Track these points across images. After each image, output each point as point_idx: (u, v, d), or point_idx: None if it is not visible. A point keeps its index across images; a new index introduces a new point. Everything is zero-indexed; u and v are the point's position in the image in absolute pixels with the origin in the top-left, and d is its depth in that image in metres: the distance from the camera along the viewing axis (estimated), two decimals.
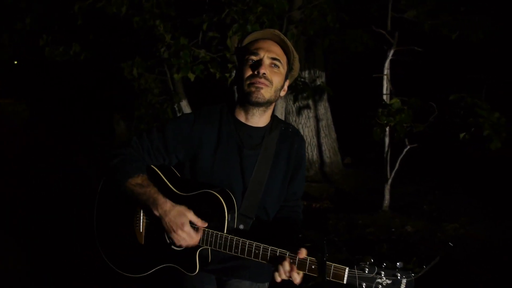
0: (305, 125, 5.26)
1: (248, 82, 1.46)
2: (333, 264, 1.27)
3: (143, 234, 1.53)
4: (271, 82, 1.47)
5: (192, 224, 1.39)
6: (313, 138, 5.33)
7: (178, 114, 5.56)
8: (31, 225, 3.70)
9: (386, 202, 3.69)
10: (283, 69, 1.51)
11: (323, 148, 5.38)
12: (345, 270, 1.25)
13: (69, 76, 10.21)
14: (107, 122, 9.09)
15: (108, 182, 1.62)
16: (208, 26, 3.80)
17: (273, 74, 1.47)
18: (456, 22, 3.12)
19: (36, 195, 4.54)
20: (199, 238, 1.40)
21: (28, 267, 2.84)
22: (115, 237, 1.60)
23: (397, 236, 3.04)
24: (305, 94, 4.70)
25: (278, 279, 1.32)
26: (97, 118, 9.99)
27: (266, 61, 1.46)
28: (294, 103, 5.12)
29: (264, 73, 1.44)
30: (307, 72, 5.17)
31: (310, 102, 5.25)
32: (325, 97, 5.34)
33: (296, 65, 1.58)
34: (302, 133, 5.26)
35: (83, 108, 11.12)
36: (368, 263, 1.27)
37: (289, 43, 1.50)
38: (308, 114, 5.27)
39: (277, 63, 1.48)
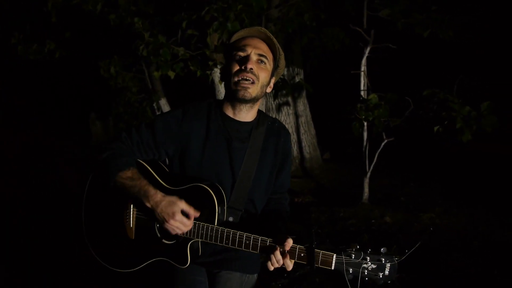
0: (285, 122, 5.32)
1: (235, 77, 1.49)
2: (321, 251, 1.32)
3: (134, 228, 1.53)
4: (257, 78, 1.50)
5: (184, 213, 1.40)
6: (293, 134, 5.40)
7: (157, 113, 5.52)
8: (28, 225, 3.60)
9: (366, 195, 3.80)
10: (269, 65, 1.54)
11: (303, 144, 5.47)
12: (332, 256, 1.31)
13: (44, 75, 9.88)
14: (84, 121, 8.86)
15: (97, 178, 1.61)
16: (187, 23, 3.79)
17: (260, 70, 1.51)
18: (428, 21, 3.26)
19: (12, 199, 4.40)
20: (191, 225, 1.42)
21: (27, 267, 2.79)
22: (105, 233, 1.59)
23: (377, 227, 3.15)
24: (284, 91, 4.77)
25: (271, 268, 1.36)
26: (74, 118, 9.72)
27: (253, 57, 1.49)
28: (274, 100, 5.18)
29: (251, 68, 1.48)
30: (286, 69, 5.23)
31: (290, 99, 5.31)
32: (304, 94, 5.42)
33: (282, 62, 1.62)
34: None
35: (59, 108, 10.78)
36: (354, 249, 1.34)
37: (275, 40, 1.53)
38: (287, 111, 5.34)
39: (264, 59, 1.51)
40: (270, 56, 1.55)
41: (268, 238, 1.37)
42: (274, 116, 5.36)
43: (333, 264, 1.31)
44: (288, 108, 5.33)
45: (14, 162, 6.62)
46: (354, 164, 4.72)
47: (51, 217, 3.77)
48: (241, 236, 1.40)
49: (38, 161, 6.70)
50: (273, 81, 1.63)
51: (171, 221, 1.38)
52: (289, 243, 1.32)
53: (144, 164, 1.56)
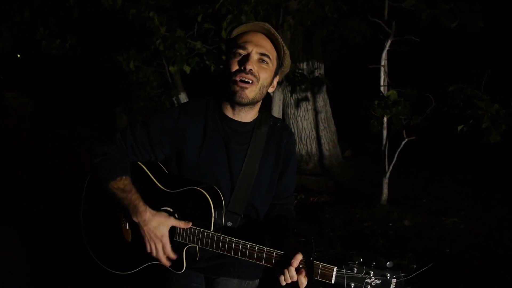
0: (304, 118, 5.19)
1: (233, 77, 1.41)
2: (321, 263, 1.24)
3: (130, 231, 1.50)
4: (257, 79, 1.42)
5: (174, 228, 1.38)
6: (312, 130, 5.27)
7: None
8: (35, 222, 3.71)
9: (384, 195, 3.64)
10: (272, 65, 1.45)
11: (322, 141, 5.33)
12: (333, 270, 1.22)
13: (70, 69, 10.20)
14: (109, 115, 9.09)
15: (93, 179, 1.59)
16: (203, 17, 3.74)
17: (260, 70, 1.42)
18: (456, 11, 3.03)
19: (41, 189, 4.56)
20: (172, 257, 1.40)
21: (31, 264, 2.85)
22: (102, 234, 1.58)
23: (394, 230, 2.99)
24: (303, 86, 4.63)
25: (283, 283, 1.28)
26: (100, 112, 10.00)
27: (254, 56, 1.41)
28: (291, 95, 5.05)
29: (251, 69, 1.39)
30: (305, 63, 5.09)
31: (309, 94, 5.18)
32: (324, 89, 5.27)
33: (287, 61, 1.53)
34: (300, 126, 5.22)
35: (86, 102, 11.13)
36: (357, 262, 1.24)
37: (279, 38, 1.44)
38: (306, 107, 5.20)
39: (266, 58, 1.42)
40: (273, 54, 1.45)
41: (275, 250, 1.29)
42: (292, 111, 5.24)
43: (333, 278, 1.22)
44: (307, 103, 5.20)
45: (43, 152, 6.89)
46: (376, 162, 4.53)
47: (53, 214, 3.88)
48: (237, 244, 1.34)
49: (66, 153, 6.94)
50: (276, 80, 1.53)
51: (157, 243, 1.38)
52: (298, 258, 1.23)
53: (141, 165, 1.53)
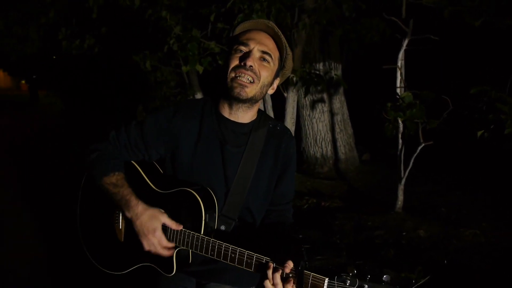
0: (319, 120, 5.07)
1: (232, 73, 1.37)
2: (312, 273, 1.16)
3: (123, 231, 1.48)
4: (258, 77, 1.37)
5: (166, 226, 1.34)
6: (327, 133, 5.14)
7: None
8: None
9: (400, 202, 3.47)
10: (273, 64, 1.40)
11: (338, 144, 5.19)
12: (324, 281, 1.14)
13: (93, 69, 10.49)
14: (131, 114, 9.29)
15: (88, 177, 1.59)
16: (216, 16, 3.72)
17: (261, 68, 1.37)
18: (481, 8, 2.84)
19: (59, 185, 4.68)
20: (171, 247, 1.35)
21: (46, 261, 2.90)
22: (97, 233, 1.57)
23: (407, 240, 2.82)
24: (319, 87, 4.52)
25: None
26: (122, 110, 10.23)
27: (256, 53, 1.36)
28: (305, 96, 4.95)
29: (251, 66, 1.35)
30: (321, 64, 4.97)
31: (325, 96, 5.06)
32: (341, 90, 5.14)
33: (289, 63, 1.48)
34: (315, 128, 5.11)
35: (108, 101, 11.42)
36: (350, 274, 1.15)
37: (283, 38, 1.39)
38: (322, 108, 5.08)
39: (267, 57, 1.38)
40: (275, 54, 1.40)
41: (266, 256, 1.22)
42: (307, 113, 5.13)
43: None
44: (323, 105, 5.07)
45: (68, 150, 7.10)
46: (394, 167, 4.36)
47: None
48: (226, 248, 1.28)
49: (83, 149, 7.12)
50: (276, 82, 1.48)
51: (150, 236, 1.32)
52: (290, 265, 1.16)
53: (135, 164, 1.51)
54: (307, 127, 5.16)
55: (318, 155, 5.16)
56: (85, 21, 5.54)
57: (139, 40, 5.76)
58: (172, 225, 1.33)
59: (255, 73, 1.35)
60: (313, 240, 2.69)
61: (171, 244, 1.34)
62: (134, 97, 8.98)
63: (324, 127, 5.08)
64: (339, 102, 5.14)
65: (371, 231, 3.00)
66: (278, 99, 4.15)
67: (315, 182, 4.53)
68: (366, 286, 1.12)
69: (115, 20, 5.65)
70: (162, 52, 4.54)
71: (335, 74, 4.74)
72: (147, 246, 1.34)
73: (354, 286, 1.12)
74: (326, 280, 1.14)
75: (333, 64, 5.00)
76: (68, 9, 6.09)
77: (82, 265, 2.61)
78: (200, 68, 3.86)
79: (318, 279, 1.14)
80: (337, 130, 5.16)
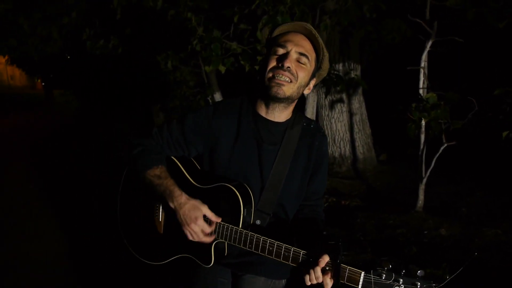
0: (338, 120, 5.10)
1: (270, 74, 1.41)
2: (348, 267, 1.21)
3: (162, 223, 1.55)
4: (295, 77, 1.41)
5: (206, 218, 1.39)
6: (346, 133, 5.17)
7: None
8: (77, 204, 3.88)
9: (420, 202, 3.49)
10: (310, 65, 1.44)
11: (356, 144, 5.21)
12: (360, 274, 1.19)
13: (110, 69, 10.66)
14: (147, 113, 9.42)
15: (130, 171, 1.65)
16: (239, 18, 3.78)
17: (298, 69, 1.41)
18: (505, 10, 2.84)
19: (77, 185, 4.79)
20: (212, 235, 1.40)
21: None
22: (137, 224, 1.64)
23: (429, 239, 2.85)
24: (338, 88, 4.55)
25: (308, 283, 1.28)
26: (138, 110, 10.38)
27: (293, 55, 1.40)
28: (326, 96, 4.98)
29: (289, 67, 1.39)
30: (341, 64, 5.00)
31: (344, 96, 5.08)
32: (360, 90, 5.15)
33: (325, 64, 1.51)
34: (334, 128, 5.14)
35: (124, 100, 11.59)
36: (386, 268, 1.20)
37: (320, 39, 1.43)
38: (341, 108, 5.11)
39: (304, 58, 1.41)
40: (312, 55, 1.44)
41: (303, 249, 1.29)
42: (326, 113, 5.17)
43: (361, 283, 1.19)
44: (342, 105, 5.10)
45: (84, 148, 7.25)
46: (412, 167, 4.36)
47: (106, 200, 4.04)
48: (264, 241, 1.34)
49: (102, 148, 7.27)
50: (313, 82, 1.52)
51: (192, 225, 1.38)
52: (325, 259, 1.22)
53: (175, 160, 1.57)
54: (326, 127, 5.19)
55: (337, 154, 5.19)
56: (109, 21, 5.66)
57: (161, 40, 5.86)
58: (212, 216, 1.39)
59: (292, 73, 1.40)
60: (336, 237, 2.74)
61: (213, 234, 1.40)
62: (151, 97, 9.12)
63: (343, 127, 5.11)
64: (358, 102, 5.16)
65: (392, 230, 3.03)
66: (298, 99, 4.19)
67: (334, 181, 4.57)
68: (401, 280, 1.17)
69: (138, 21, 5.76)
70: (185, 52, 4.62)
71: (355, 75, 4.76)
72: (189, 235, 1.39)
73: (389, 280, 1.18)
74: (363, 273, 1.19)
75: (352, 65, 5.02)
76: (90, 10, 6.23)
77: (85, 264, 2.73)
78: (222, 68, 3.94)
79: (354, 272, 1.19)
80: (356, 130, 5.18)
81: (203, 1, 4.33)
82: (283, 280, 1.62)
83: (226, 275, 1.56)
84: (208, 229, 1.39)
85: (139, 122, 9.81)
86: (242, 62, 3.93)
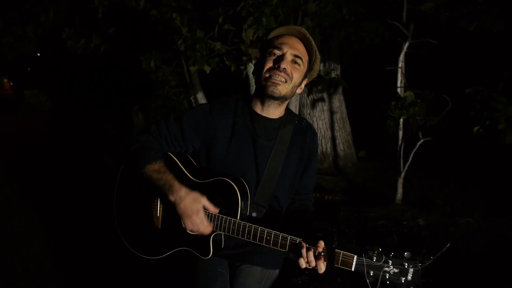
0: (319, 118, 5.25)
1: (267, 74, 1.50)
2: (342, 251, 1.30)
3: (160, 218, 1.59)
4: (290, 78, 1.50)
5: (205, 210, 1.44)
6: (327, 131, 5.32)
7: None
8: (64, 208, 3.81)
9: (399, 195, 3.68)
10: (303, 67, 1.53)
11: (337, 141, 5.36)
12: (353, 257, 1.29)
13: (88, 69, 10.43)
14: (126, 113, 9.29)
15: (127, 168, 1.69)
16: (224, 19, 3.84)
17: (293, 70, 1.50)
18: (474, 14, 3.06)
19: (56, 186, 4.70)
20: (211, 225, 1.45)
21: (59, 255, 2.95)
22: (133, 221, 1.66)
23: (408, 229, 3.04)
24: (319, 87, 4.70)
25: (303, 266, 1.34)
26: (116, 110, 10.21)
27: (289, 56, 1.49)
28: (308, 96, 5.12)
29: (285, 68, 1.48)
30: (322, 64, 5.15)
31: (325, 95, 5.22)
32: (340, 90, 5.31)
33: (317, 66, 1.61)
34: (316, 126, 5.28)
35: (102, 100, 11.36)
36: (376, 252, 1.30)
37: (313, 43, 1.51)
38: (322, 107, 5.26)
39: (299, 60, 1.50)
40: (305, 57, 1.53)
41: (298, 237, 1.36)
42: (308, 111, 5.30)
43: (354, 266, 1.29)
44: (323, 104, 5.25)
45: (60, 148, 7.09)
46: (390, 163, 4.57)
47: (87, 200, 4.00)
48: (262, 231, 1.41)
49: (83, 148, 7.14)
50: (304, 82, 1.62)
51: (194, 217, 1.42)
52: (321, 244, 1.31)
53: (172, 156, 1.62)
54: None
55: (318, 152, 5.34)
56: (90, 21, 5.58)
57: (144, 40, 5.83)
58: (211, 208, 1.44)
59: (287, 74, 1.49)
60: (330, 227, 2.86)
61: (211, 224, 1.45)
62: (131, 97, 9.00)
63: (324, 125, 5.26)
64: (338, 101, 5.32)
65: (374, 221, 3.20)
66: None
67: (316, 177, 4.69)
68: (390, 261, 1.28)
69: (120, 20, 5.70)
70: (170, 52, 4.64)
71: (336, 75, 4.92)
72: (190, 226, 1.43)
73: (380, 262, 1.28)
74: (355, 257, 1.29)
75: (333, 65, 5.17)
76: (70, 9, 6.11)
77: (81, 265, 2.73)
78: (207, 68, 3.99)
79: (348, 256, 1.29)
80: (336, 128, 5.33)
81: (187, 2, 4.37)
82: (277, 270, 1.71)
83: (224, 266, 1.61)
84: (207, 222, 1.44)
85: (118, 122, 9.66)
86: (227, 63, 3.99)
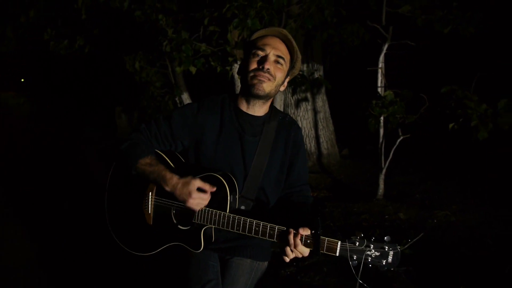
0: (303, 118, 5.35)
1: (252, 74, 1.57)
2: (327, 238, 1.37)
3: (152, 215, 1.63)
4: (274, 77, 1.57)
5: (200, 189, 1.48)
6: (311, 130, 5.43)
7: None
8: (53, 213, 3.77)
9: (381, 191, 3.81)
10: (286, 66, 1.60)
11: (321, 140, 5.47)
12: (337, 243, 1.36)
13: (71, 70, 10.27)
14: (108, 115, 9.19)
15: (118, 167, 1.73)
16: (209, 20, 3.89)
17: (276, 70, 1.57)
18: (449, 17, 3.22)
19: (41, 189, 4.64)
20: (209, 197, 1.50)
21: (34, 264, 2.90)
22: (125, 218, 1.70)
23: (390, 222, 3.17)
24: (303, 87, 4.81)
25: (289, 254, 1.39)
26: (101, 111, 10.08)
27: (272, 57, 1.56)
28: (292, 96, 5.22)
29: (268, 69, 1.55)
30: (305, 65, 5.26)
31: (309, 95, 5.33)
32: (323, 90, 5.43)
33: (298, 64, 1.68)
34: (300, 125, 5.36)
35: (85, 102, 11.20)
36: (358, 237, 1.39)
37: (294, 43, 1.59)
38: (306, 107, 5.36)
39: (281, 60, 1.58)
40: (287, 57, 1.61)
41: (285, 227, 1.41)
42: (292, 111, 5.41)
43: (338, 251, 1.36)
44: (307, 104, 5.36)
45: (42, 151, 6.97)
46: (372, 161, 4.72)
47: (73, 203, 3.97)
48: (251, 223, 1.47)
49: (65, 151, 7.04)
50: (287, 80, 1.69)
51: (190, 200, 1.46)
52: (306, 230, 1.36)
53: (162, 154, 1.67)
54: None
55: None
56: (73, 21, 5.53)
57: (128, 41, 5.82)
58: (205, 186, 1.48)
59: (271, 74, 1.56)
60: (314, 214, 2.94)
61: (209, 196, 1.49)
62: (114, 98, 8.92)
63: (308, 124, 5.37)
64: (321, 101, 5.44)
65: (357, 216, 3.33)
66: None
67: None
68: (372, 245, 1.38)
69: (104, 21, 5.67)
70: (156, 53, 4.66)
71: (319, 75, 5.04)
72: (194, 207, 1.48)
73: (362, 246, 1.37)
74: (339, 242, 1.36)
75: (316, 66, 5.29)
76: (52, 9, 6.03)
77: (72, 265, 2.73)
78: (193, 69, 4.03)
79: (332, 242, 1.37)
80: (320, 127, 5.45)
81: (171, 3, 4.40)
82: (266, 262, 1.77)
83: (215, 259, 1.66)
84: (205, 196, 1.48)
85: (101, 124, 9.55)
86: (212, 64, 4.05)
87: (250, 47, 1.61)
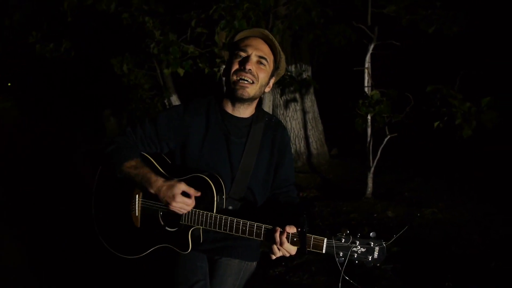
0: (292, 118, 5.38)
1: (234, 76, 1.57)
2: (313, 235, 1.39)
3: (139, 217, 1.64)
4: (257, 78, 1.58)
5: (185, 194, 1.49)
6: (300, 130, 5.46)
7: None
8: (41, 217, 3.73)
9: (369, 189, 3.85)
10: (269, 67, 1.61)
11: (310, 140, 5.50)
12: (323, 240, 1.38)
13: (58, 73, 10.15)
14: (97, 118, 9.10)
15: (105, 170, 1.73)
16: (196, 22, 3.89)
17: (259, 71, 1.58)
18: (433, 17, 3.28)
19: (29, 193, 4.59)
20: (193, 203, 1.50)
21: (28, 266, 2.89)
22: (113, 221, 1.70)
23: (378, 220, 3.21)
24: (292, 88, 4.84)
25: (276, 251, 1.40)
26: (89, 114, 9.97)
27: (254, 58, 1.57)
28: (281, 96, 5.24)
29: (250, 69, 1.55)
30: (293, 66, 5.29)
31: (297, 96, 5.36)
32: (311, 90, 5.47)
33: (283, 64, 1.69)
34: (289, 126, 5.41)
35: (73, 105, 11.07)
36: (344, 234, 1.41)
37: (276, 43, 1.60)
38: (295, 107, 5.39)
39: (264, 61, 1.59)
40: (270, 57, 1.61)
41: (271, 226, 1.42)
42: (281, 112, 5.43)
43: (324, 248, 1.38)
44: (296, 104, 5.39)
45: (31, 156, 6.88)
46: (361, 160, 4.75)
47: (63, 207, 3.93)
48: (238, 223, 1.48)
49: (54, 155, 6.95)
50: (272, 81, 1.69)
51: (173, 203, 1.47)
52: (293, 228, 1.37)
53: (148, 156, 1.67)
54: None
55: (292, 150, 5.46)
56: (59, 24, 5.47)
57: (116, 43, 5.78)
58: (190, 190, 1.48)
59: (254, 75, 1.57)
60: (300, 212, 2.96)
61: (193, 201, 1.50)
62: (102, 101, 8.84)
63: (297, 125, 5.40)
64: (310, 101, 5.48)
65: (346, 215, 3.36)
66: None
67: None
68: (358, 242, 1.40)
69: (90, 23, 5.63)
70: (144, 55, 4.63)
71: (307, 76, 5.07)
72: (178, 211, 1.48)
73: (348, 242, 1.39)
74: (325, 240, 1.38)
75: (304, 66, 5.33)
76: (37, 12, 5.96)
77: (59, 268, 2.71)
78: (181, 71, 4.02)
79: (318, 239, 1.38)
80: (309, 127, 5.48)
81: (158, 5, 4.39)
82: (255, 262, 1.78)
83: (203, 260, 1.66)
84: (188, 201, 1.48)
85: (89, 128, 9.45)
86: (200, 65, 4.04)
87: (233, 48, 1.63)
